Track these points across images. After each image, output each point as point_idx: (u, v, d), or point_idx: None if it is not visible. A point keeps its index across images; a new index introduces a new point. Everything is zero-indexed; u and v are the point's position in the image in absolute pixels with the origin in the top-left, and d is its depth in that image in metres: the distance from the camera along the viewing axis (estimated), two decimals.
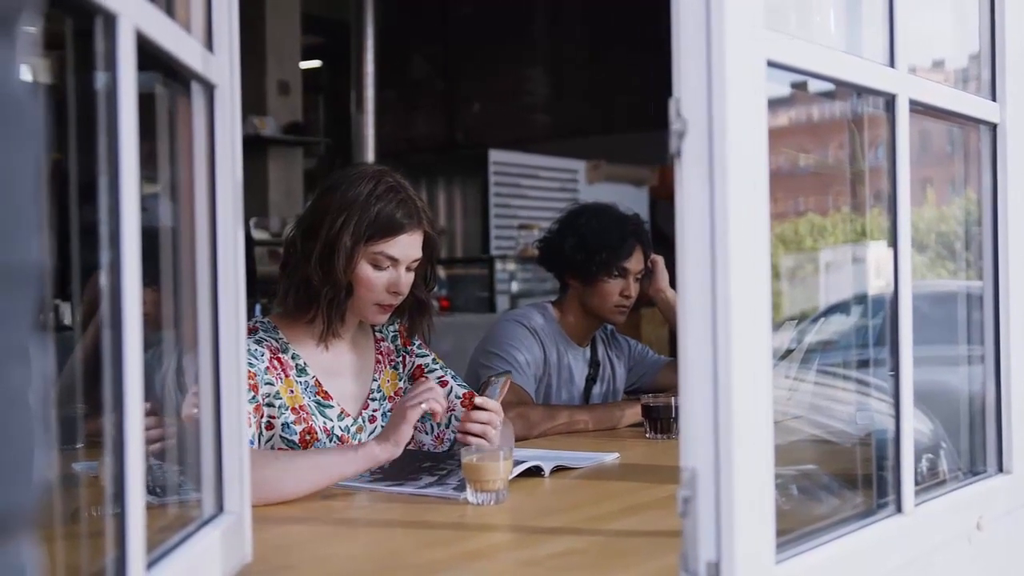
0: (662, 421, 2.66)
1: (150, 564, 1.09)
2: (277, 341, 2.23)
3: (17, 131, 0.56)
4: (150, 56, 1.12)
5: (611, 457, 2.37)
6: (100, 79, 1.02)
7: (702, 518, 1.17)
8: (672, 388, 3.00)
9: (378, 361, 2.38)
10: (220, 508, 1.38)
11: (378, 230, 2.18)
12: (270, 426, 2.14)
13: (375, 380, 2.35)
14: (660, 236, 6.07)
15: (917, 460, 1.62)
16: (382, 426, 2.30)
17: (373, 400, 2.34)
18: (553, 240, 3.10)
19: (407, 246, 2.21)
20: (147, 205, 1.11)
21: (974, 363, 1.94)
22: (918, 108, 1.58)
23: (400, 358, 2.42)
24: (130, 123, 1.02)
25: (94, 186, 1.04)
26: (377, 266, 2.20)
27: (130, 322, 1.02)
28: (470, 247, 8.35)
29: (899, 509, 1.52)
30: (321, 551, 1.65)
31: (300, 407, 2.19)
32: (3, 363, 0.55)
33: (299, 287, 2.21)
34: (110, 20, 1.00)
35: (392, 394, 2.37)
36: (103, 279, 1.01)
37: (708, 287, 1.17)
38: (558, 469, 2.19)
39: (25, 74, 0.58)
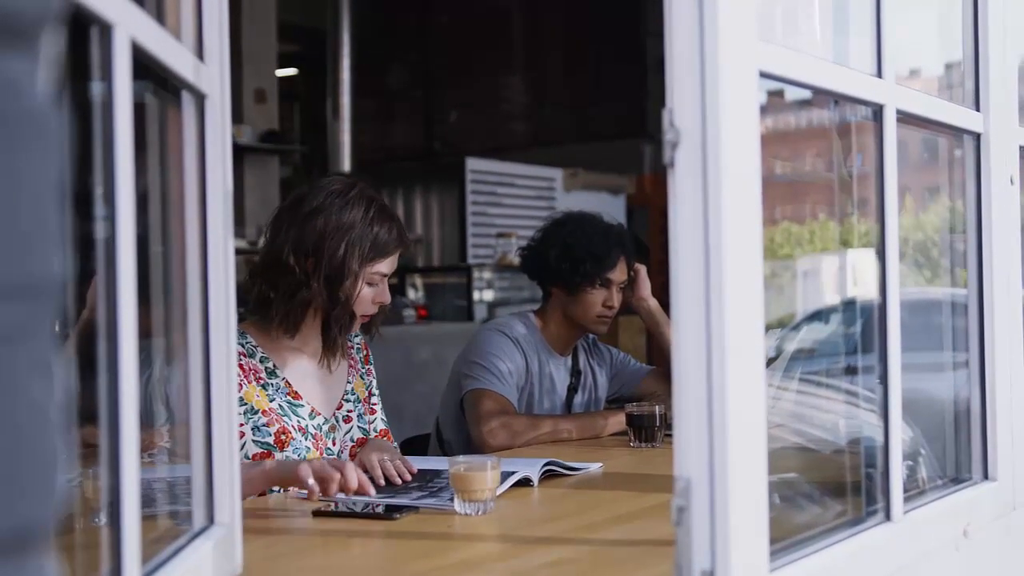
0: (646, 430, 2.66)
1: None
2: (243, 346, 2.27)
3: (41, 145, 0.56)
4: (142, 65, 1.11)
5: (595, 467, 2.37)
6: (95, 88, 1.01)
7: (696, 527, 1.17)
8: (655, 396, 3.00)
9: (351, 365, 2.46)
10: (211, 520, 1.37)
11: (378, 252, 2.29)
12: (239, 435, 2.16)
13: (349, 383, 2.43)
14: (637, 244, 6.07)
15: None
16: (358, 426, 2.41)
17: (348, 401, 2.42)
18: (537, 248, 3.10)
19: (395, 261, 2.35)
20: (136, 215, 1.10)
21: (955, 371, 1.96)
22: (904, 118, 1.59)
23: (365, 369, 2.52)
24: (125, 132, 1.02)
25: (87, 196, 1.03)
26: (370, 284, 2.30)
27: (125, 332, 1.01)
28: (447, 255, 8.34)
29: (888, 517, 1.53)
30: (311, 563, 1.65)
31: (270, 409, 2.24)
32: (27, 377, 0.55)
33: (300, 308, 2.26)
34: (106, 30, 0.99)
35: (362, 399, 2.46)
36: (99, 290, 1.00)
37: (702, 296, 1.17)
38: (548, 474, 2.19)
39: (47, 86, 0.58)
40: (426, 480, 2.14)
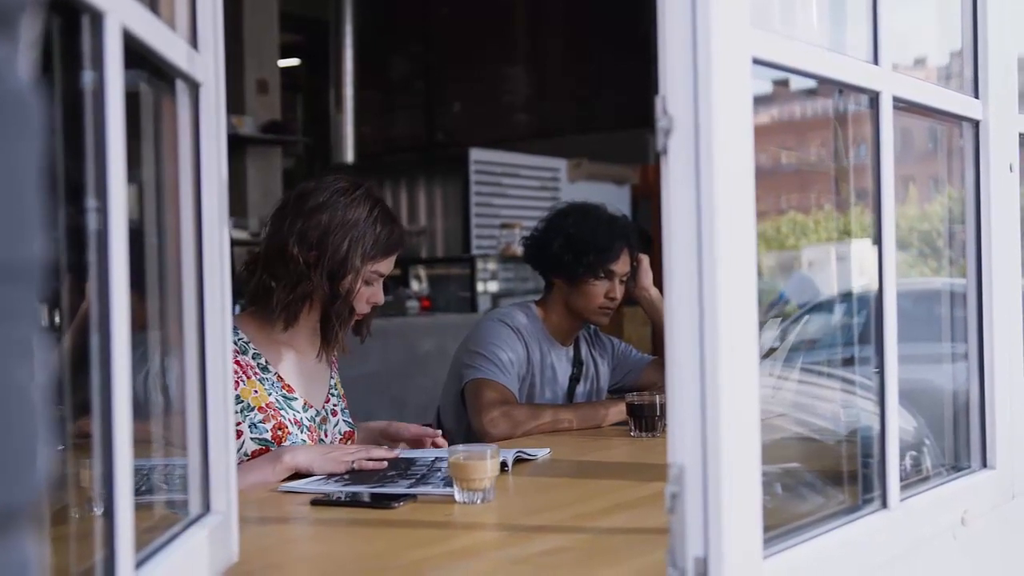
0: (646, 419, 2.67)
1: (138, 564, 1.09)
2: (236, 343, 2.28)
3: (21, 129, 0.56)
4: (135, 54, 1.11)
5: (543, 452, 2.40)
6: (86, 77, 1.01)
7: (690, 514, 1.17)
8: (656, 386, 3.00)
9: (333, 363, 2.50)
10: (207, 508, 1.38)
11: (380, 251, 2.32)
12: (238, 434, 2.18)
13: (332, 378, 2.48)
14: (642, 235, 6.08)
15: (901, 457, 1.62)
16: (344, 420, 2.46)
17: (333, 395, 2.46)
18: (540, 239, 3.10)
19: (392, 263, 2.39)
20: (130, 205, 1.10)
21: (957, 360, 1.95)
22: (901, 105, 1.59)
23: (338, 368, 2.56)
24: (117, 122, 1.02)
25: (78, 186, 1.03)
26: (367, 282, 2.34)
27: (118, 323, 1.01)
28: (451, 247, 8.34)
29: (884, 504, 1.53)
30: (307, 551, 1.65)
31: (267, 405, 2.27)
32: (8, 358, 0.55)
33: (300, 300, 2.29)
34: (97, 18, 0.99)
35: (342, 395, 2.51)
36: (91, 281, 1.00)
37: (695, 284, 1.17)
38: (519, 461, 2.25)
39: (26, 71, 0.58)
40: (404, 468, 2.15)
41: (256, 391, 2.27)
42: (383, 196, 2.44)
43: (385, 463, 2.16)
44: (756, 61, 1.25)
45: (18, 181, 0.55)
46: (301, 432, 2.29)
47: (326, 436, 2.38)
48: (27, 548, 0.56)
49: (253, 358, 2.30)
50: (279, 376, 2.32)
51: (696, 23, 1.16)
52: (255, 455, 2.21)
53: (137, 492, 1.13)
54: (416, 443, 2.44)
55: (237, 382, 2.22)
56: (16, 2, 0.56)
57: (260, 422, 2.24)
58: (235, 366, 2.23)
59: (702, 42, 1.16)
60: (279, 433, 2.25)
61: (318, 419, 2.37)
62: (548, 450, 2.43)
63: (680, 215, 1.18)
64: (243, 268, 2.35)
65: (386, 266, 2.35)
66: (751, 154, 1.22)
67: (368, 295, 2.34)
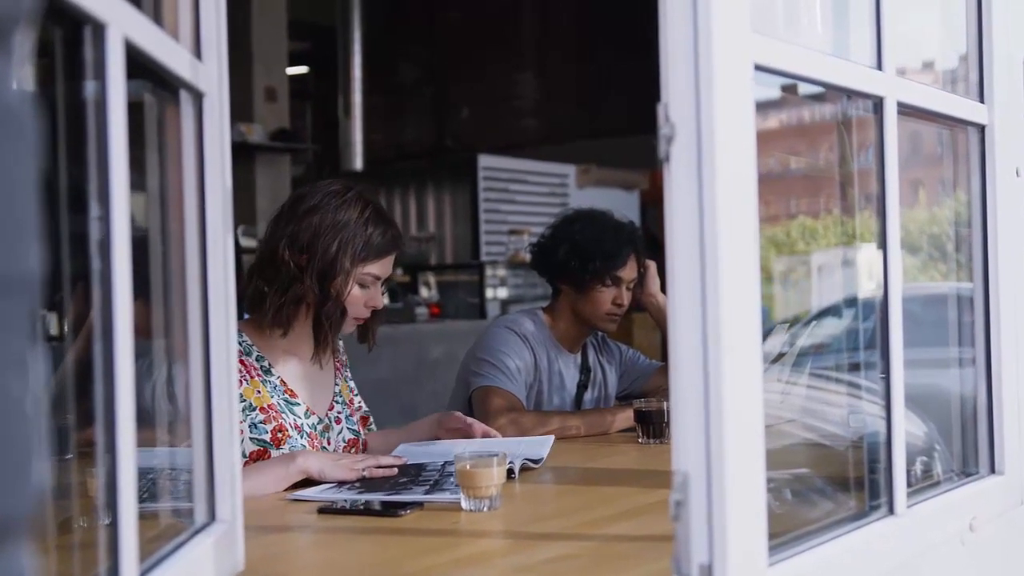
0: (654, 425, 2.66)
1: (143, 573, 1.09)
2: (240, 345, 2.29)
3: (15, 141, 0.56)
4: (138, 64, 1.12)
5: (548, 440, 2.43)
6: (89, 87, 1.02)
7: (694, 521, 1.17)
8: (664, 393, 3.00)
9: (337, 369, 2.50)
10: (212, 517, 1.38)
11: (371, 252, 2.31)
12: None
13: (336, 385, 2.48)
14: (651, 241, 6.08)
15: (911, 463, 1.62)
16: (347, 428, 2.45)
17: (337, 403, 2.46)
18: (547, 245, 3.10)
19: (390, 265, 2.38)
20: (135, 214, 1.11)
21: (965, 365, 1.95)
22: (906, 110, 1.59)
23: (347, 372, 2.56)
24: (119, 132, 1.02)
25: (82, 195, 1.03)
26: (362, 285, 2.33)
27: (121, 332, 1.01)
28: (460, 253, 8.33)
29: (891, 511, 1.52)
30: (313, 559, 1.65)
31: (269, 406, 2.28)
32: (2, 372, 0.55)
33: (293, 303, 2.29)
34: (99, 29, 0.99)
35: (347, 401, 2.50)
36: (94, 289, 1.01)
37: (698, 291, 1.17)
38: (525, 469, 2.24)
39: (21, 84, 0.58)
40: (415, 475, 2.15)
41: (259, 391, 2.27)
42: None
43: (395, 470, 2.16)
44: (758, 67, 1.25)
45: (13, 194, 0.55)
46: (301, 437, 2.29)
47: (329, 444, 2.38)
48: (23, 560, 0.56)
49: (257, 360, 2.31)
50: (282, 380, 2.33)
51: (697, 30, 1.16)
52: (253, 456, 2.21)
53: (141, 499, 1.14)
54: (464, 434, 2.46)
55: (240, 381, 2.23)
56: (10, 15, 0.56)
57: (261, 423, 2.24)
58: (239, 366, 2.24)
59: (703, 49, 1.16)
60: (279, 436, 2.25)
61: (320, 427, 2.37)
62: (551, 438, 2.45)
63: (683, 221, 1.18)
64: (246, 275, 2.36)
65: (380, 268, 2.34)
66: (753, 160, 1.22)
67: (365, 299, 2.33)
